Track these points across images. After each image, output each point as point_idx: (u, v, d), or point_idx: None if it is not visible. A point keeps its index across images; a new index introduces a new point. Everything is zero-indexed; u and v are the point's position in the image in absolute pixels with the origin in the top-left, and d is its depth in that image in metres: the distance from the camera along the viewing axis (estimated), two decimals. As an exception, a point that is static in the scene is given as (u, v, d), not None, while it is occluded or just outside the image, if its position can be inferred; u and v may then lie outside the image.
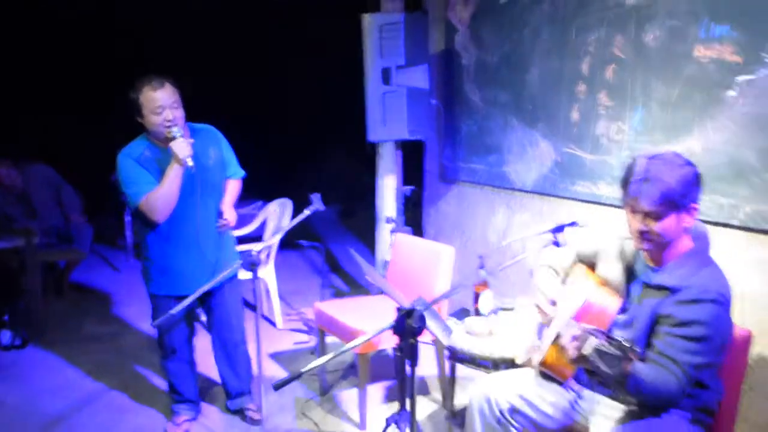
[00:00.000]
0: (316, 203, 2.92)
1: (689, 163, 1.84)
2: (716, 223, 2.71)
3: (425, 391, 3.58)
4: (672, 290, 1.83)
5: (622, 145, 3.11)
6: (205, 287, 2.66)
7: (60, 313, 4.85)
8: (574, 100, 3.37)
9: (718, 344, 1.81)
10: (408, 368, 1.84)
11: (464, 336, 2.68)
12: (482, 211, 4.17)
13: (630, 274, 2.02)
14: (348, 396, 3.48)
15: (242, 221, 5.03)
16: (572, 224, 1.98)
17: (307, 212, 2.92)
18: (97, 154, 7.18)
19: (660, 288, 1.86)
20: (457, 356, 2.71)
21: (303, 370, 1.70)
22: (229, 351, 3.17)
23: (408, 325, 1.70)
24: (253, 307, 3.03)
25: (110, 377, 3.75)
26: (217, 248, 3.00)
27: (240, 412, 3.25)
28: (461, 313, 2.92)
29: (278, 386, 1.64)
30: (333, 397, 3.50)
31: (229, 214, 3.02)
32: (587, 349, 1.66)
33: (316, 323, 3.50)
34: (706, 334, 1.77)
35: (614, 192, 3.13)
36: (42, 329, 4.40)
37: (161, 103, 2.74)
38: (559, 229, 1.94)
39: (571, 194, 3.44)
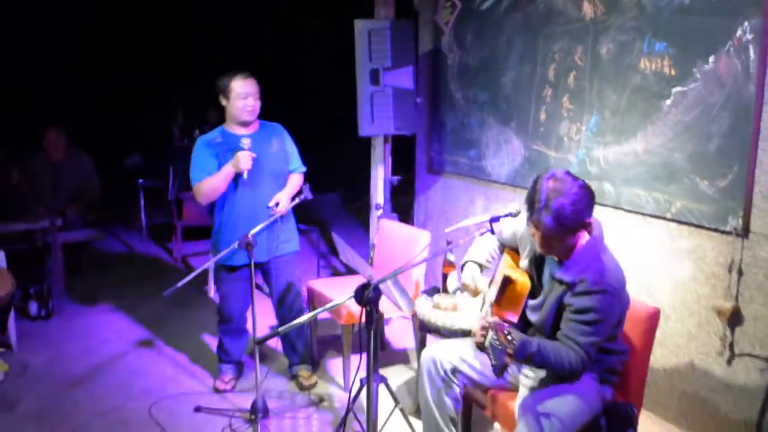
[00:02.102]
0: (305, 192, 3.34)
1: (583, 188, 2.16)
2: (651, 215, 3.10)
3: (406, 361, 4.02)
4: (570, 285, 2.20)
5: (580, 145, 3.49)
6: (209, 264, 3.10)
7: (79, 289, 5.31)
8: (542, 102, 3.74)
9: (610, 324, 2.20)
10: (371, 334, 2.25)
11: (432, 310, 3.09)
12: (464, 200, 4.56)
13: (541, 264, 2.41)
14: (336, 364, 3.91)
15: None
16: (507, 215, 2.37)
17: (296, 200, 3.33)
18: (115, 140, 7.64)
19: (562, 282, 2.24)
20: (426, 328, 3.12)
21: (281, 329, 2.12)
22: (286, 321, 3.53)
23: (365, 296, 2.11)
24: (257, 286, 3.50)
25: (126, 344, 4.22)
26: (271, 227, 3.38)
27: (295, 378, 3.68)
28: (432, 291, 3.33)
29: (260, 342, 2.06)
30: (324, 364, 3.93)
31: (282, 203, 3.38)
32: (486, 342, 2.05)
33: (307, 299, 3.93)
34: (599, 318, 2.14)
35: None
36: (64, 303, 4.87)
37: (248, 90, 3.32)
38: (495, 219, 2.33)
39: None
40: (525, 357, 2.11)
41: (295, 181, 3.54)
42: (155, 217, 7.09)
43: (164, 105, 8.19)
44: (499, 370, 2.01)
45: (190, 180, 3.39)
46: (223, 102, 3.40)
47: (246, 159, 3.24)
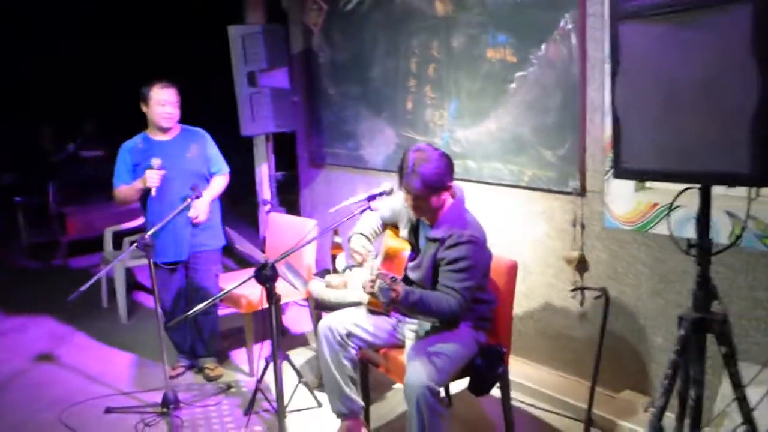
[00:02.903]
0: (197, 191, 3.54)
1: (443, 156, 2.60)
2: (510, 185, 3.56)
3: (305, 343, 4.30)
4: (441, 240, 2.59)
5: (444, 128, 3.90)
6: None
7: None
8: (407, 92, 4.12)
9: (480, 271, 2.61)
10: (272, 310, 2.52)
11: (325, 289, 3.39)
12: (346, 189, 4.89)
13: (417, 230, 2.79)
14: (239, 354, 4.13)
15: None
16: (382, 193, 2.72)
17: (189, 200, 3.53)
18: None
19: (434, 240, 2.63)
20: (321, 306, 3.42)
21: (189, 313, 2.35)
22: (198, 317, 3.63)
23: (263, 275, 2.38)
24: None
25: (24, 361, 4.22)
26: (187, 226, 3.64)
27: (202, 370, 3.87)
28: (323, 273, 3.64)
29: (169, 326, 2.28)
30: (228, 356, 4.15)
31: (199, 206, 3.61)
32: (375, 288, 2.40)
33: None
34: (469, 264, 2.54)
35: (441, 166, 3.93)
36: None
37: (166, 97, 3.60)
38: (371, 197, 2.67)
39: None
40: (410, 304, 2.45)
41: (218, 182, 3.80)
42: (36, 235, 6.92)
43: (22, 120, 7.91)
44: (387, 306, 2.41)
45: (112, 185, 3.70)
46: (144, 109, 3.66)
47: (153, 178, 3.49)
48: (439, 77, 3.86)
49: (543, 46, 3.22)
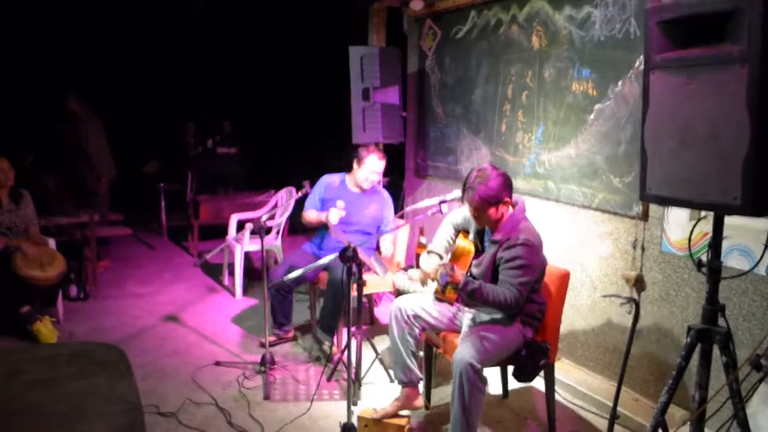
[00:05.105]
0: (306, 187, 4.27)
1: (500, 175, 3.14)
2: (582, 206, 4.02)
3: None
4: (499, 243, 3.13)
5: (531, 150, 4.41)
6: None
7: (108, 278, 6.27)
8: (503, 116, 4.67)
9: (535, 269, 3.10)
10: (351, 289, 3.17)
11: (407, 281, 4.01)
12: (444, 200, 5.49)
13: (482, 235, 3.34)
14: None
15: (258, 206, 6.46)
16: (452, 199, 3.31)
17: (300, 193, 4.27)
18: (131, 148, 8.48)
19: (494, 242, 3.17)
20: (401, 295, 4.04)
21: (289, 276, 3.06)
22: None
23: (346, 255, 3.03)
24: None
25: (154, 319, 5.16)
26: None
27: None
28: (407, 268, 4.27)
29: (270, 286, 2.99)
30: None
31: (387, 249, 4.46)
32: (437, 274, 3.01)
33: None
34: (524, 263, 3.05)
35: (526, 184, 4.45)
36: (97, 288, 5.82)
37: (378, 170, 4.48)
38: (443, 201, 3.27)
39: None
40: (469, 291, 3.01)
41: (385, 239, 4.48)
42: (173, 218, 8.08)
43: (174, 115, 9.15)
44: (444, 287, 3.03)
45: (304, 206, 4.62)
46: (354, 166, 4.53)
47: (335, 215, 4.33)
48: (531, 104, 4.38)
49: (620, 83, 3.67)
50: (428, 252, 3.61)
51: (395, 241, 4.61)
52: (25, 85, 8.25)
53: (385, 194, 4.70)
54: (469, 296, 3.07)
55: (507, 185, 3.16)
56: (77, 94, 6.56)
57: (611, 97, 3.74)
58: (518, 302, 3.07)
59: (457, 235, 3.63)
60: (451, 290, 3.10)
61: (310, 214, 4.54)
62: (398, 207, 6.19)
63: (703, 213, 3.34)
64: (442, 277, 3.00)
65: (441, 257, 3.58)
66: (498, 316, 3.20)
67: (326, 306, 4.37)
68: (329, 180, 4.65)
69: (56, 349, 3.42)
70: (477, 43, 4.91)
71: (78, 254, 5.78)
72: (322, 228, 4.56)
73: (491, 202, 3.12)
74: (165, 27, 8.71)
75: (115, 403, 2.43)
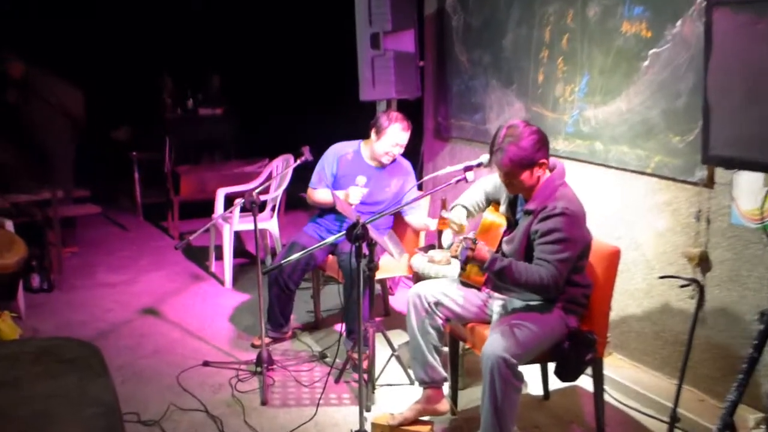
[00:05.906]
0: (306, 154, 4.32)
1: (534, 132, 3.15)
2: (635, 171, 4.04)
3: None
4: (534, 213, 3.16)
5: (574, 105, 4.43)
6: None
7: (75, 265, 6.39)
8: (539, 64, 4.68)
9: (577, 244, 3.13)
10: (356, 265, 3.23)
11: (426, 264, 4.07)
12: (470, 166, 5.52)
13: (515, 205, 3.38)
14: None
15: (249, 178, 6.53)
16: (479, 164, 3.34)
17: (298, 161, 4.32)
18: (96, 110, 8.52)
19: (528, 212, 3.20)
20: (420, 280, 4.10)
21: (284, 261, 3.12)
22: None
23: (354, 234, 3.08)
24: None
25: (130, 313, 5.26)
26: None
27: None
28: (427, 248, 4.32)
29: (265, 271, 3.06)
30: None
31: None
32: (458, 251, 3.05)
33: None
34: (563, 237, 3.08)
35: (567, 145, 4.47)
36: (63, 277, 5.93)
37: (402, 142, 4.41)
38: (468, 168, 3.31)
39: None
40: (498, 270, 3.06)
41: (418, 217, 4.57)
42: (150, 194, 8.14)
43: (148, 68, 9.06)
44: (464, 263, 3.10)
45: (310, 182, 4.62)
46: (373, 136, 4.46)
47: (356, 195, 4.32)
48: (573, 49, 4.38)
49: (678, 23, 3.66)
50: (457, 206, 3.64)
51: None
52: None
53: (406, 164, 4.67)
54: (497, 276, 3.12)
55: (543, 144, 3.19)
56: (16, 55, 6.54)
57: (669, 40, 3.73)
58: (557, 283, 3.10)
59: (488, 205, 3.66)
60: (477, 270, 3.15)
61: (321, 194, 4.53)
62: (417, 175, 6.25)
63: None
64: (462, 252, 3.04)
65: (471, 213, 3.63)
66: (534, 302, 3.26)
67: (349, 307, 4.28)
68: (341, 151, 4.61)
69: (19, 346, 3.50)
70: (507, -23, 4.91)
71: (40, 238, 5.88)
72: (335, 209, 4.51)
73: (524, 165, 3.14)
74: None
75: (89, 406, 2.49)
